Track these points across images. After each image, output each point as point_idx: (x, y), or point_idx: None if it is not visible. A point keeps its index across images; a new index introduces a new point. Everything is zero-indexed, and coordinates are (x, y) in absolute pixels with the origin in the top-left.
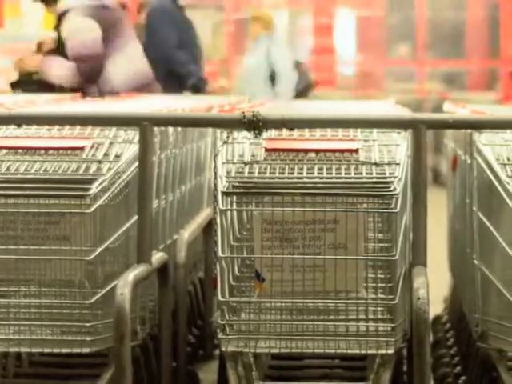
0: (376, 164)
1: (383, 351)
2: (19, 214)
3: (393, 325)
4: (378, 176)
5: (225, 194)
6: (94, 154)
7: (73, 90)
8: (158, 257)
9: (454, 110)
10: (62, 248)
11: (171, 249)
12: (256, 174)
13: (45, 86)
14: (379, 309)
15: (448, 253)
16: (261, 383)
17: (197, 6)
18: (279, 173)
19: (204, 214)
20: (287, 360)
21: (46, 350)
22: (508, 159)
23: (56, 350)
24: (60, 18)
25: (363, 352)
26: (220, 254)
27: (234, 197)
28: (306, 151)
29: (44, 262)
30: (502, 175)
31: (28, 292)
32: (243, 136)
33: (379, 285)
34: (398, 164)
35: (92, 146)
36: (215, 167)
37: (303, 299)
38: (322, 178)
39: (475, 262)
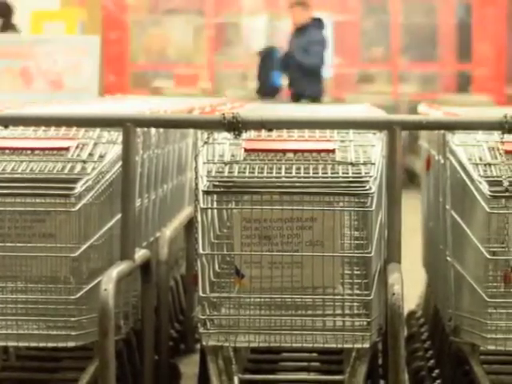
0: (352, 164)
1: (359, 345)
2: (6, 213)
3: (368, 320)
4: (354, 175)
5: (205, 192)
6: (79, 154)
7: None
8: (140, 254)
9: (428, 111)
10: (48, 245)
11: (154, 246)
12: (236, 174)
13: None
14: (355, 304)
15: (422, 250)
16: (240, 376)
17: (178, 11)
18: (258, 172)
19: (185, 213)
20: (266, 354)
21: (33, 344)
22: (480, 159)
23: (42, 344)
24: None
25: (340, 346)
26: (201, 251)
27: (215, 196)
28: (284, 151)
29: (30, 259)
30: (474, 175)
31: (15, 288)
32: (223, 137)
33: (355, 281)
34: (374, 164)
35: (77, 147)
36: (196, 167)
37: (281, 295)
38: (299, 177)
39: (448, 258)
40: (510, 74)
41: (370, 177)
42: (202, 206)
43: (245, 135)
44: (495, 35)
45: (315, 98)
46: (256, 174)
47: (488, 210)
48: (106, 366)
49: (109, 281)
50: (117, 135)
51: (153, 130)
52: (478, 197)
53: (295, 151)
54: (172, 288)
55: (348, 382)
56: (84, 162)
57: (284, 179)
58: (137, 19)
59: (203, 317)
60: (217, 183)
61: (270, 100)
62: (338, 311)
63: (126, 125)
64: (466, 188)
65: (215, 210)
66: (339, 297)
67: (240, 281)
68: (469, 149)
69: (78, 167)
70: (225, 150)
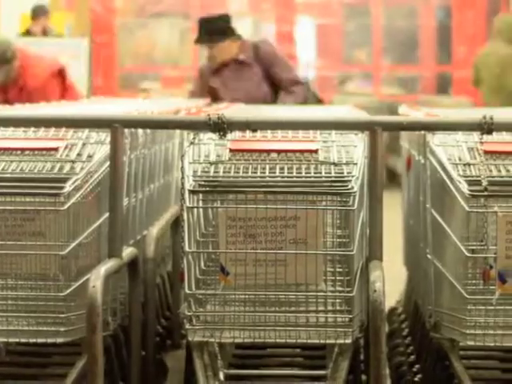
0: (334, 164)
1: (341, 341)
2: None
3: (350, 316)
4: (337, 175)
5: (191, 192)
6: (68, 155)
7: None
8: (128, 251)
9: (409, 112)
10: (38, 243)
11: (141, 244)
12: (221, 174)
13: None
14: (337, 301)
15: (403, 248)
16: (225, 371)
17: (165, 14)
18: (243, 172)
19: (172, 211)
20: (250, 349)
21: (23, 340)
22: (459, 159)
23: (32, 340)
24: None
25: (322, 341)
26: (187, 248)
27: (200, 195)
28: (269, 151)
29: (20, 257)
30: (454, 174)
31: (5, 285)
32: (209, 137)
33: (338, 278)
34: (356, 164)
35: (66, 147)
36: (182, 167)
37: (266, 291)
38: (283, 177)
39: (428, 256)
40: None
41: (352, 176)
42: (188, 205)
43: (230, 136)
44: (475, 38)
45: None
46: (241, 174)
47: (467, 208)
48: (95, 362)
49: (97, 278)
50: (105, 136)
51: (140, 131)
52: (458, 196)
53: (279, 151)
54: (159, 285)
55: (331, 377)
56: (73, 161)
57: (268, 179)
58: (124, 22)
59: (189, 313)
60: (202, 183)
61: None
62: (321, 308)
63: (114, 126)
64: (446, 187)
65: (201, 209)
66: (322, 293)
67: (225, 278)
68: (448, 149)
69: (67, 167)
70: (210, 151)
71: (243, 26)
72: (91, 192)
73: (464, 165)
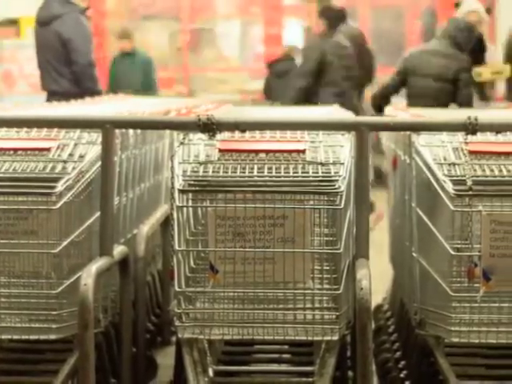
0: (322, 164)
1: (328, 338)
2: None
3: (337, 313)
4: (324, 175)
5: (181, 191)
6: (60, 155)
7: None
8: (119, 250)
9: (395, 113)
10: (30, 242)
11: (131, 242)
12: (210, 173)
13: None
14: (325, 298)
15: (389, 246)
16: (214, 367)
17: (154, 17)
18: (232, 172)
19: (162, 210)
20: (239, 346)
21: (15, 337)
22: (444, 159)
23: (24, 337)
24: None
25: (310, 338)
26: (177, 247)
27: (190, 194)
28: (257, 152)
29: (13, 255)
30: (439, 174)
31: None
32: (198, 138)
33: (325, 276)
34: (343, 164)
35: (58, 147)
36: (172, 167)
37: (254, 289)
38: (271, 176)
39: (414, 254)
40: None
41: (339, 176)
42: (177, 204)
43: (219, 136)
44: None
45: None
46: (230, 174)
47: (452, 208)
48: (86, 358)
49: (88, 276)
50: (96, 136)
51: (131, 131)
52: (443, 195)
53: (267, 151)
54: (149, 283)
55: (318, 373)
56: (65, 161)
57: (256, 178)
58: (116, 25)
59: (179, 310)
60: (192, 182)
61: None
62: (308, 305)
63: (105, 126)
64: (431, 187)
65: (190, 208)
66: (309, 291)
67: (214, 276)
68: (434, 149)
69: (59, 167)
70: (200, 151)
71: (231, 29)
72: (83, 191)
73: (449, 165)
